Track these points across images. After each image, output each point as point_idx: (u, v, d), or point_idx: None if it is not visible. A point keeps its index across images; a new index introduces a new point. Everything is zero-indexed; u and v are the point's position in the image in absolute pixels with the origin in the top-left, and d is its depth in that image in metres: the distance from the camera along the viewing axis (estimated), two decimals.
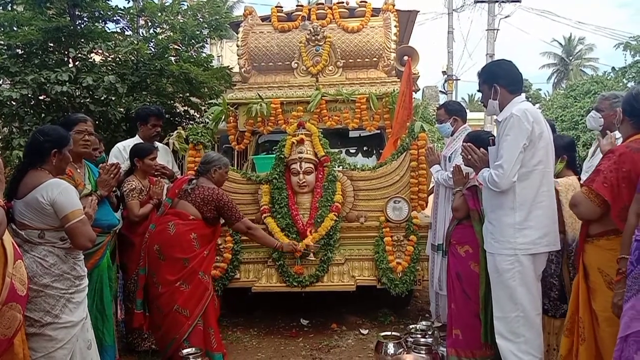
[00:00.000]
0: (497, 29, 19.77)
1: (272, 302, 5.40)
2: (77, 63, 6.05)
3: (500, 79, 3.15)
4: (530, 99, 33.73)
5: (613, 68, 19.13)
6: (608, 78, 19.37)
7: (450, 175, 4.16)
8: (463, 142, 3.51)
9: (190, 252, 3.71)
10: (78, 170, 3.35)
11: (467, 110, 5.10)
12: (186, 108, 7.16)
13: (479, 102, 3.50)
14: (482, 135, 3.66)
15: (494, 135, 3.48)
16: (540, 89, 41.62)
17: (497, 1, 19.83)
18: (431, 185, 4.96)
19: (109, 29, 6.61)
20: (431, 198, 4.86)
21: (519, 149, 2.96)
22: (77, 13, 6.19)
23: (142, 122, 4.71)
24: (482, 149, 3.26)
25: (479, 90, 3.35)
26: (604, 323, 2.53)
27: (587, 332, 2.65)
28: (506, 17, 25.42)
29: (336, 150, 5.15)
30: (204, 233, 3.81)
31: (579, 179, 3.47)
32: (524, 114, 2.98)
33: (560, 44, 43.37)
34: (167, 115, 6.10)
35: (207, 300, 3.76)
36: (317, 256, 4.53)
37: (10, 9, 6.25)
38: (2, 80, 5.88)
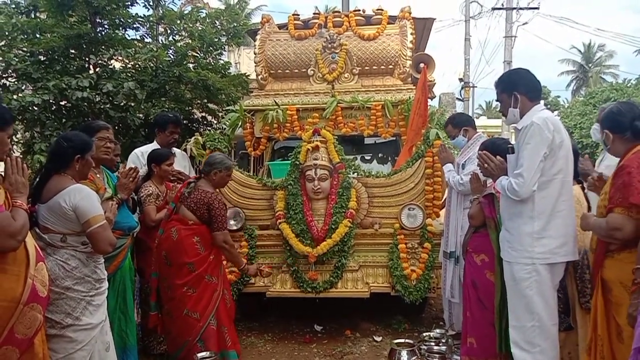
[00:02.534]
0: (515, 36, 19.64)
1: (286, 308, 5.43)
2: (97, 69, 6.18)
3: (520, 87, 3.14)
4: (548, 106, 33.44)
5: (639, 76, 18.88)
6: (628, 85, 19.17)
7: (462, 181, 4.16)
8: (479, 150, 3.50)
9: (195, 256, 3.73)
10: (98, 176, 3.42)
11: (485, 117, 5.11)
12: (204, 114, 7.27)
13: (497, 111, 3.49)
14: (497, 142, 3.65)
15: (510, 143, 3.46)
16: (559, 96, 41.38)
17: (514, 8, 19.72)
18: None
19: (129, 37, 6.75)
20: None
21: (539, 157, 2.94)
22: (98, 20, 6.33)
23: (161, 128, 4.78)
24: (498, 157, 3.26)
25: (497, 100, 3.33)
26: (630, 339, 2.43)
27: (606, 350, 2.59)
28: (524, 24, 25.38)
29: (351, 157, 5.17)
30: (206, 236, 3.81)
31: (583, 188, 3.45)
32: (545, 123, 2.96)
33: (580, 51, 42.94)
34: (185, 121, 6.20)
35: (217, 300, 3.78)
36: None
37: (33, 16, 6.40)
38: (24, 86, 6.01)
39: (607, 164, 3.40)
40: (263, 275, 4.34)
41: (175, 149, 4.85)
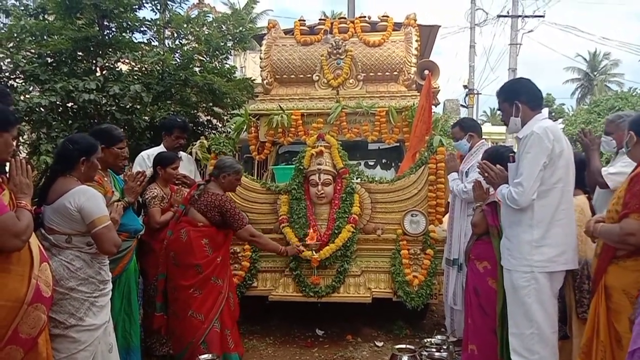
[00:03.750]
0: (520, 44, 19.67)
1: (288, 312, 5.44)
2: (104, 72, 6.21)
3: (521, 96, 3.17)
4: (553, 114, 33.41)
5: None
6: (633, 94, 19.14)
7: (465, 189, 4.17)
8: (481, 159, 3.52)
9: (203, 258, 3.77)
10: (105, 179, 3.47)
11: (489, 124, 5.13)
12: (209, 118, 7.28)
13: (500, 119, 3.51)
14: (500, 150, 3.67)
15: (513, 151, 3.48)
16: (563, 104, 41.22)
17: (520, 16, 19.75)
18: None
19: (136, 40, 6.77)
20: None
21: (539, 167, 2.97)
22: (105, 23, 6.37)
23: (167, 132, 4.82)
24: (498, 165, 3.28)
25: (499, 109, 3.36)
26: (629, 346, 2.44)
27: (609, 355, 2.58)
28: (529, 32, 25.33)
29: (355, 162, 5.19)
30: (215, 238, 3.85)
31: (589, 198, 3.45)
32: (545, 132, 2.99)
33: (585, 59, 42.89)
34: (190, 125, 6.22)
35: (222, 303, 3.81)
36: (318, 252, 4.55)
37: (41, 18, 6.44)
38: (32, 88, 6.04)
39: (613, 171, 3.38)
40: (307, 249, 4.49)
41: (181, 153, 4.88)
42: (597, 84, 39.79)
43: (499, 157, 3.46)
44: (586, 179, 3.51)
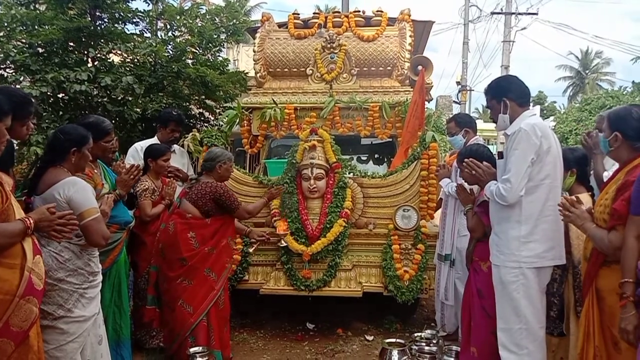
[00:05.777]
0: (513, 41, 19.72)
1: (279, 305, 5.45)
2: (96, 63, 6.16)
3: (509, 93, 3.18)
4: (545, 112, 33.60)
5: (633, 82, 19.09)
6: (624, 93, 19.30)
7: None
8: (463, 157, 3.49)
9: (188, 251, 3.76)
10: (95, 171, 3.44)
11: (481, 121, 5.15)
12: (201, 110, 7.26)
13: (490, 117, 3.52)
14: (477, 148, 3.66)
15: (489, 148, 3.48)
16: (555, 102, 41.49)
17: (513, 13, 19.81)
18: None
19: (129, 31, 6.73)
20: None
21: (526, 163, 2.99)
22: (97, 14, 6.32)
23: (162, 125, 4.80)
24: (485, 162, 3.29)
25: (487, 107, 3.38)
26: (628, 350, 2.40)
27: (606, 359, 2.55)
28: (522, 29, 25.44)
29: (347, 157, 5.19)
30: (202, 231, 3.83)
31: (592, 196, 3.46)
32: (533, 129, 3.00)
33: (577, 57, 43.13)
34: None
35: (213, 299, 3.80)
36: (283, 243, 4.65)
37: (33, 8, 6.38)
38: (22, 78, 5.98)
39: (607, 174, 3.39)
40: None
41: (175, 146, 4.87)
42: (588, 82, 40.07)
43: (480, 155, 3.46)
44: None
